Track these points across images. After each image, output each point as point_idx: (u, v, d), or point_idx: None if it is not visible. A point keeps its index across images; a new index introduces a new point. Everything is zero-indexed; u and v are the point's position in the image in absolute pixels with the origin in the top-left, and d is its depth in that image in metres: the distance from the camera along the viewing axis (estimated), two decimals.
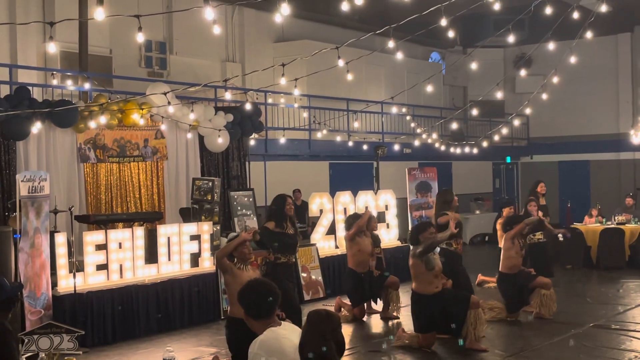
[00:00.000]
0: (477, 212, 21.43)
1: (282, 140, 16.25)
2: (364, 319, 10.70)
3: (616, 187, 22.37)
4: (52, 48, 7.83)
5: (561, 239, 12.55)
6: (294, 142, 17.14)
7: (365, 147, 17.73)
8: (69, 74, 13.63)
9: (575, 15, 9.55)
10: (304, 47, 17.26)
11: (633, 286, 12.99)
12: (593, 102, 23.18)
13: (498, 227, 11.81)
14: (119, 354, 9.05)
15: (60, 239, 9.51)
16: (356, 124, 16.34)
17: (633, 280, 13.49)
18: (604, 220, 15.82)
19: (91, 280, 9.76)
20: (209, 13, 6.82)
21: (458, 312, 8.56)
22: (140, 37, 6.83)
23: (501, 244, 10.72)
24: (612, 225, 15.41)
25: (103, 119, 11.28)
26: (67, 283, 9.45)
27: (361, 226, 10.56)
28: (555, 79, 11.85)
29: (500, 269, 10.44)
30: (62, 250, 9.49)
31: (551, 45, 11.04)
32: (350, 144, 17.94)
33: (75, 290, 9.33)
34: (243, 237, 7.16)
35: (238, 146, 14.10)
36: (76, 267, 9.60)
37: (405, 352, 8.72)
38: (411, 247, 9.10)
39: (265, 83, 11.69)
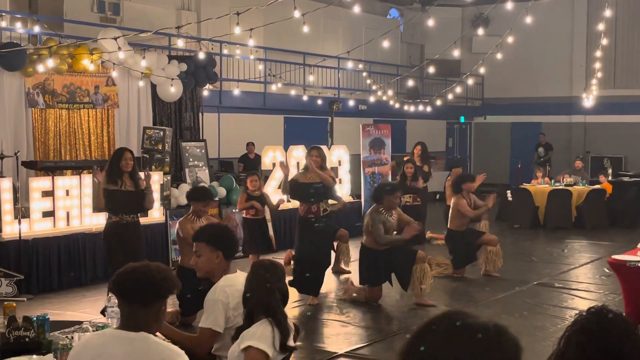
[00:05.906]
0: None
1: (237, 92, 16.06)
2: None
3: (566, 150, 22.69)
4: None
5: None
6: (248, 94, 16.94)
7: (320, 102, 17.64)
8: (18, 16, 13.23)
9: None
10: None
11: (577, 246, 13.26)
12: (547, 65, 23.32)
13: (447, 185, 11.93)
14: (63, 301, 8.96)
15: (6, 184, 9.33)
16: (311, 78, 16.21)
17: (578, 241, 13.76)
18: (552, 181, 16.06)
19: (37, 227, 9.63)
20: None
21: (405, 267, 8.65)
22: None
23: (449, 202, 10.84)
24: (560, 187, 15.65)
25: (52, 63, 10.99)
26: (12, 229, 9.30)
27: None
28: (510, 40, 11.88)
29: (449, 226, 10.57)
30: (7, 196, 9.32)
31: (508, 5, 10.99)
32: (305, 98, 17.82)
33: (20, 236, 9.19)
34: None
35: (191, 96, 13.88)
36: (22, 213, 9.44)
37: (352, 305, 8.79)
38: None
39: (221, 33, 11.48)
